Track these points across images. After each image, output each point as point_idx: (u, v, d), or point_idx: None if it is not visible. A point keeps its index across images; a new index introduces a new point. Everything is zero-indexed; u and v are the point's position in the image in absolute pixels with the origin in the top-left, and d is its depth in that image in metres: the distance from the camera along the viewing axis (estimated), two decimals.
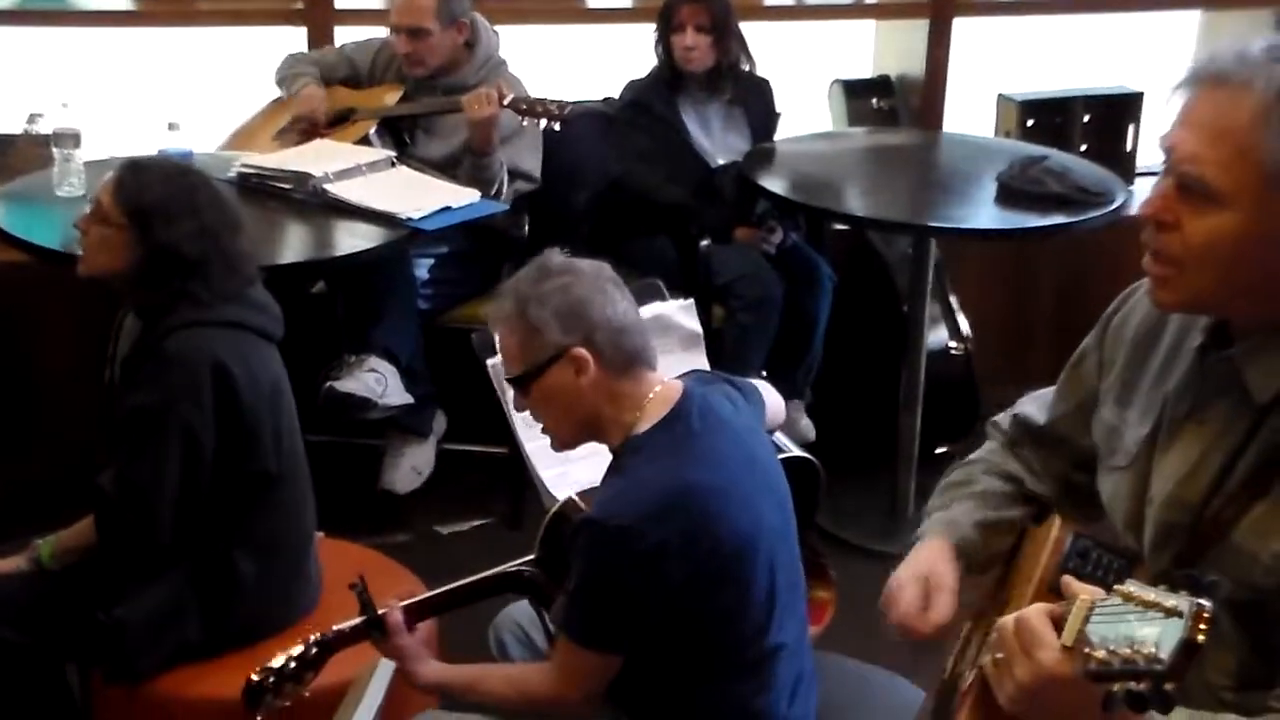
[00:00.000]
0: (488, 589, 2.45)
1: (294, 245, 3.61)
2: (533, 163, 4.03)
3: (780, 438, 2.67)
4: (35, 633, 2.58)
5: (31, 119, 4.00)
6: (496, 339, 2.33)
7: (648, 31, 4.20)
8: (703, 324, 3.08)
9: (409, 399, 3.78)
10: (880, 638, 1.91)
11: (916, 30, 4.75)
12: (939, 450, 4.22)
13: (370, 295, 3.78)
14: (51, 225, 3.41)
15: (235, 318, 2.60)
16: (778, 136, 4.32)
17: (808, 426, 4.19)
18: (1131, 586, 1.24)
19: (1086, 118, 4.78)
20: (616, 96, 4.25)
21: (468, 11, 4.02)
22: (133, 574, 2.59)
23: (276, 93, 4.22)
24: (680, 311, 3.04)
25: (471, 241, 3.97)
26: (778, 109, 4.34)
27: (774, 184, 3.99)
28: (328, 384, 3.66)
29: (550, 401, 2.24)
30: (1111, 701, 1.21)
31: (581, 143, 4.15)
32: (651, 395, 2.22)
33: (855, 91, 4.85)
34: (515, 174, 3.97)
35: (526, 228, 4.10)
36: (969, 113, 4.93)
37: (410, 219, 3.55)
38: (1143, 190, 4.47)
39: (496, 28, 4.13)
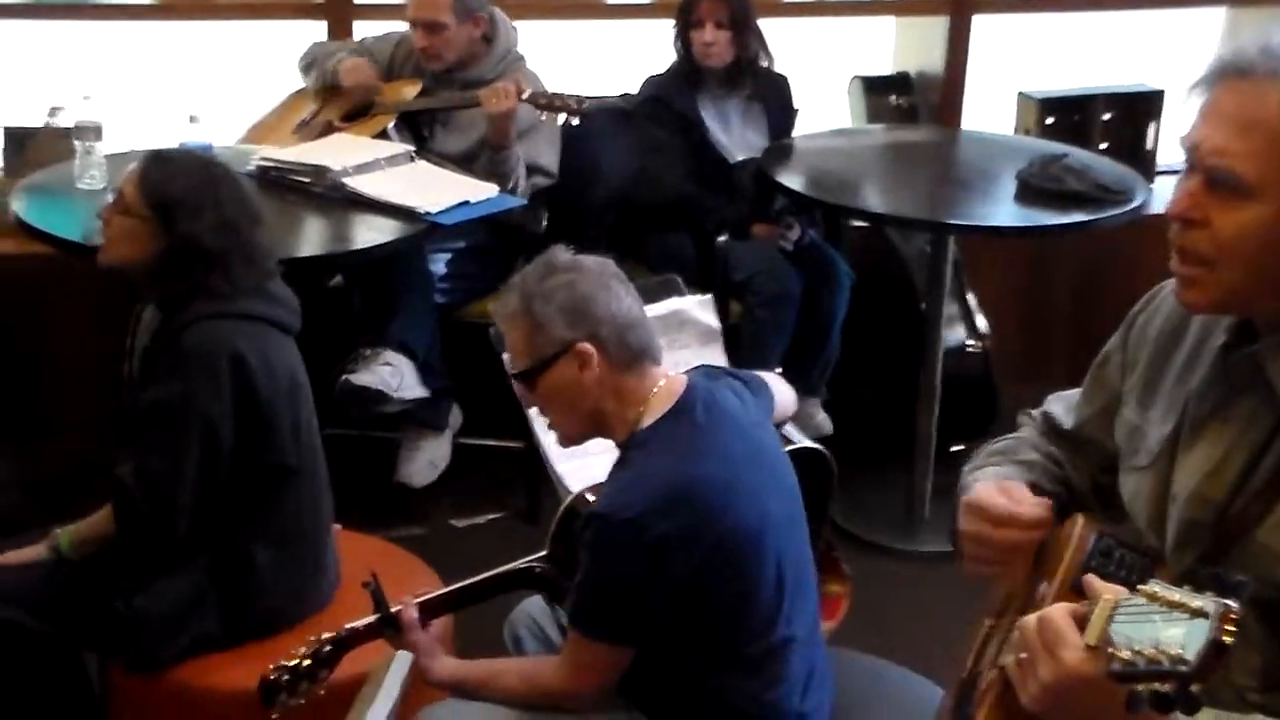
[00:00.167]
0: (500, 585, 2.45)
1: (312, 238, 3.62)
2: (550, 158, 4.03)
3: (791, 430, 2.66)
4: (55, 621, 2.58)
5: (53, 112, 4.01)
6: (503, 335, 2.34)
7: (667, 27, 4.20)
8: (720, 320, 3.09)
9: (425, 393, 3.79)
10: (896, 634, 1.90)
11: (936, 27, 4.74)
12: (955, 449, 4.22)
13: (387, 289, 3.79)
14: (72, 217, 3.42)
15: (254, 310, 2.61)
16: (796, 133, 4.32)
17: (824, 422, 4.18)
18: (1156, 586, 1.24)
19: (1107, 115, 4.77)
20: (635, 92, 4.25)
21: (485, 6, 4.02)
22: (151, 565, 2.60)
23: (295, 86, 4.23)
24: (698, 307, 3.04)
25: (489, 236, 3.97)
26: (796, 105, 4.34)
27: (792, 180, 3.98)
28: (344, 377, 3.67)
29: (555, 397, 2.25)
30: (1136, 702, 1.20)
31: (599, 138, 4.15)
32: (656, 390, 2.24)
33: (874, 88, 4.84)
34: (533, 169, 3.97)
35: (544, 223, 4.10)
36: (988, 110, 4.92)
37: (428, 213, 3.55)
38: (1163, 189, 4.49)
39: (515, 22, 4.13)
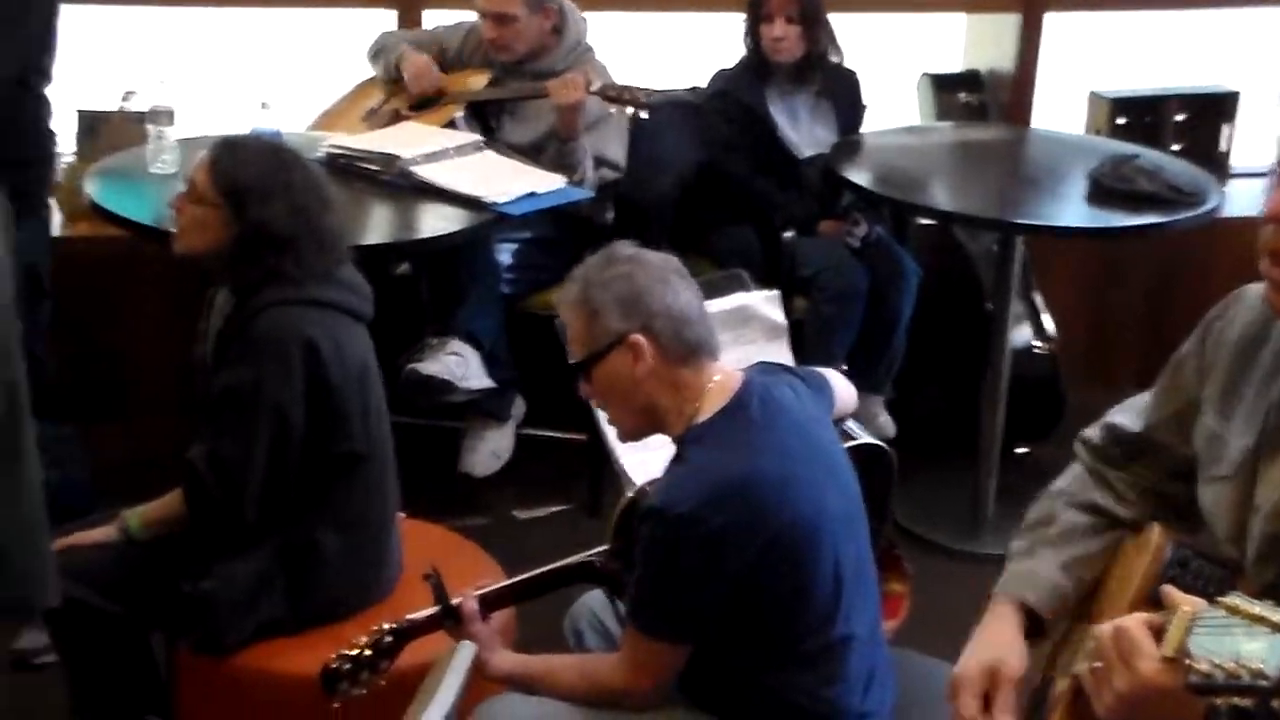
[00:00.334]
0: (561, 579, 2.46)
1: (379, 226, 3.63)
2: (618, 150, 4.03)
3: (851, 425, 2.65)
4: (123, 602, 2.61)
5: (126, 96, 4.05)
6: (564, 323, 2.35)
7: (737, 21, 4.19)
8: (785, 315, 3.07)
9: (490, 383, 3.79)
10: (958, 636, 1.90)
11: (1008, 24, 4.70)
12: (1020, 450, 4.19)
13: (454, 278, 3.80)
14: (145, 201, 3.45)
15: (326, 297, 2.62)
16: (864, 129, 4.29)
17: (887, 422, 4.16)
18: (1236, 599, 1.22)
19: (1180, 116, 4.71)
20: (703, 86, 4.24)
21: None
22: (220, 548, 2.62)
23: (365, 74, 4.24)
24: (765, 302, 3.03)
25: (555, 228, 3.97)
26: (865, 102, 4.31)
27: (860, 177, 3.96)
28: (410, 366, 3.68)
29: (610, 388, 2.26)
30: (1215, 716, 1.19)
31: (667, 132, 4.14)
32: (711, 385, 2.24)
33: (944, 85, 4.81)
34: (600, 161, 3.97)
35: (610, 215, 4.10)
36: (1059, 109, 4.87)
37: (496, 203, 3.55)
38: (1237, 192, 4.44)
39: (584, 14, 4.13)
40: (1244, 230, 1.55)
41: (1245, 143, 4.83)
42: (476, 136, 3.89)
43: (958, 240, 4.41)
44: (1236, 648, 1.18)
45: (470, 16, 4.13)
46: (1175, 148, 4.62)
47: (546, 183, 3.70)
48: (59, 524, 2.51)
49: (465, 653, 2.14)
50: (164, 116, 3.64)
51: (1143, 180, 3.77)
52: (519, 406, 4.08)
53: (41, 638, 3.05)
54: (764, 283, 3.19)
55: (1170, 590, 1.38)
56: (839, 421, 2.50)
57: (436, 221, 3.57)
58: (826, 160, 4.08)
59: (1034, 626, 1.83)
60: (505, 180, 3.66)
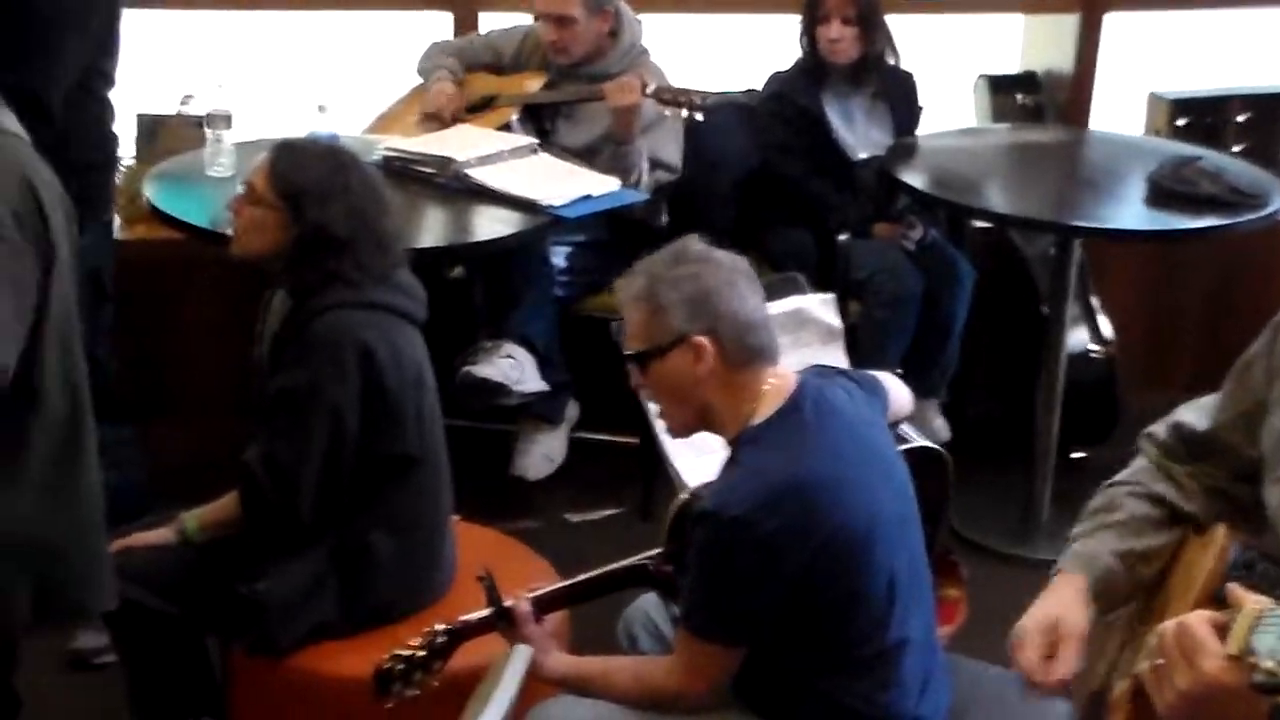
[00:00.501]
0: (615, 582, 2.45)
1: (434, 229, 3.64)
2: (673, 153, 4.02)
3: (906, 428, 2.64)
4: (179, 604, 2.64)
5: (184, 100, 4.09)
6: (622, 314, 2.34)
7: (793, 22, 4.17)
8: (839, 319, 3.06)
9: (544, 386, 3.80)
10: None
11: (1066, 25, 4.65)
12: (1076, 455, 4.15)
13: (509, 281, 3.81)
14: (202, 204, 3.47)
15: (382, 300, 2.63)
16: (920, 131, 4.27)
17: (942, 426, 4.13)
18: None
19: (1242, 117, 4.65)
20: (759, 88, 4.23)
21: (613, 0, 4.02)
22: (275, 550, 2.64)
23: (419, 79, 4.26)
24: (821, 306, 3.03)
25: (610, 231, 3.97)
26: (921, 103, 4.28)
27: (915, 179, 3.94)
28: (464, 368, 3.70)
29: (666, 385, 2.26)
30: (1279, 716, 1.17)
31: (722, 134, 4.13)
32: (766, 388, 2.23)
33: (1000, 87, 4.76)
34: (655, 164, 3.97)
35: (665, 218, 4.09)
36: (1118, 111, 4.82)
37: (551, 206, 3.55)
38: None
39: (639, 16, 4.13)
40: None
41: None
42: (531, 139, 3.90)
43: (1014, 243, 4.37)
44: None
45: (525, 19, 4.14)
46: (1236, 149, 4.56)
47: (601, 185, 3.70)
48: (116, 526, 2.54)
49: (521, 657, 2.14)
50: (221, 120, 3.66)
51: (1204, 182, 3.72)
52: (572, 409, 4.08)
53: (100, 638, 3.08)
54: (818, 285, 3.18)
55: (1235, 588, 1.35)
56: (894, 425, 2.49)
57: (491, 224, 3.57)
58: (882, 162, 4.06)
59: None
60: (560, 183, 3.66)
